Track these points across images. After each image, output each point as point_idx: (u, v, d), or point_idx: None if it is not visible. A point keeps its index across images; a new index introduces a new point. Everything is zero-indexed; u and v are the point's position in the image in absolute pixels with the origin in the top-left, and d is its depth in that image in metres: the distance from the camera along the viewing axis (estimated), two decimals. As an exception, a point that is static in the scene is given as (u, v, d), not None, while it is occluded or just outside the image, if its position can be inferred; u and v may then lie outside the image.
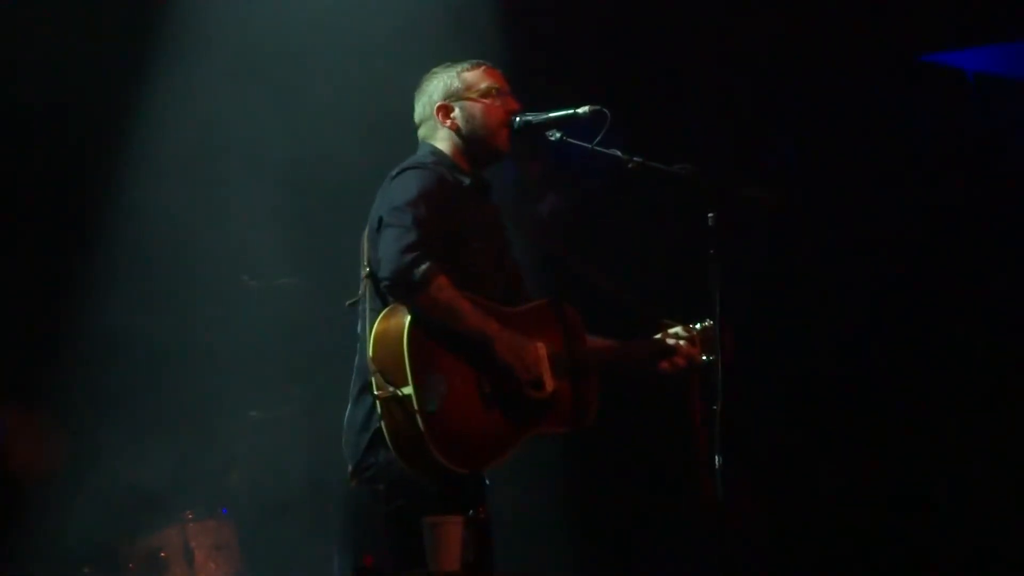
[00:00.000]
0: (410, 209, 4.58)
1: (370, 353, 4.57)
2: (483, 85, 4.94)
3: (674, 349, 5.09)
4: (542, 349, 4.82)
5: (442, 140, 4.95)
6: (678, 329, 5.13)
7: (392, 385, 4.50)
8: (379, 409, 4.53)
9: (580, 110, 4.93)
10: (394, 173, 4.78)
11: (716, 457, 4.59)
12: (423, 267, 4.49)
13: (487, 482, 4.93)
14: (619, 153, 4.94)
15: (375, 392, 4.52)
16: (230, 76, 6.84)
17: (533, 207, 6.90)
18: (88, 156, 6.86)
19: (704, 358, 5.07)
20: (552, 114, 4.98)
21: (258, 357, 6.82)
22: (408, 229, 4.54)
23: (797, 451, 7.17)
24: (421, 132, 5.02)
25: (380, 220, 4.67)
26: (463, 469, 4.59)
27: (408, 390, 4.48)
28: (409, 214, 4.56)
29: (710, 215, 4.79)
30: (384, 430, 4.54)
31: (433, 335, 4.56)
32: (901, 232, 7.44)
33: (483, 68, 5.00)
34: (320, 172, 6.91)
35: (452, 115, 4.92)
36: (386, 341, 4.56)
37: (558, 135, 4.98)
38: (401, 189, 4.68)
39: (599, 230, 7.18)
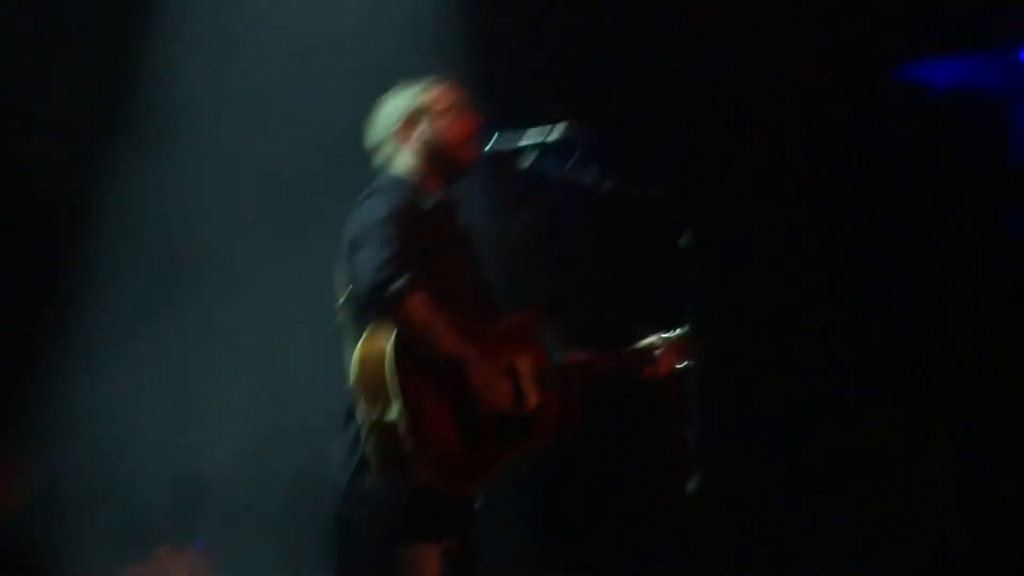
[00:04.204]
0: (383, 227, 4.56)
1: (353, 376, 4.53)
2: (443, 104, 4.91)
3: (655, 356, 5.09)
4: (524, 364, 4.81)
5: (403, 164, 4.91)
6: (655, 338, 5.13)
7: (377, 410, 4.46)
8: (364, 433, 4.49)
9: (552, 135, 4.93)
10: (361, 199, 4.77)
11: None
12: (400, 281, 4.45)
13: (475, 506, 4.88)
14: (592, 176, 4.95)
15: (360, 417, 4.48)
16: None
17: (505, 226, 6.92)
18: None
19: (681, 365, 5.05)
20: (524, 140, 4.97)
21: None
22: (383, 245, 4.51)
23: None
24: (379, 159, 4.97)
25: (352, 243, 4.63)
26: (456, 491, 4.59)
27: (394, 415, 4.44)
28: (382, 232, 4.55)
29: (684, 236, 4.81)
30: (370, 454, 4.50)
31: (415, 356, 4.51)
32: (871, 244, 7.49)
33: (440, 86, 4.96)
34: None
35: (415, 135, 4.89)
36: (369, 364, 4.52)
37: (531, 161, 4.96)
38: (370, 210, 4.66)
39: (573, 250, 7.18)
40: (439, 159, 4.89)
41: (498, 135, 5.00)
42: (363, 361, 4.55)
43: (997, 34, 7.52)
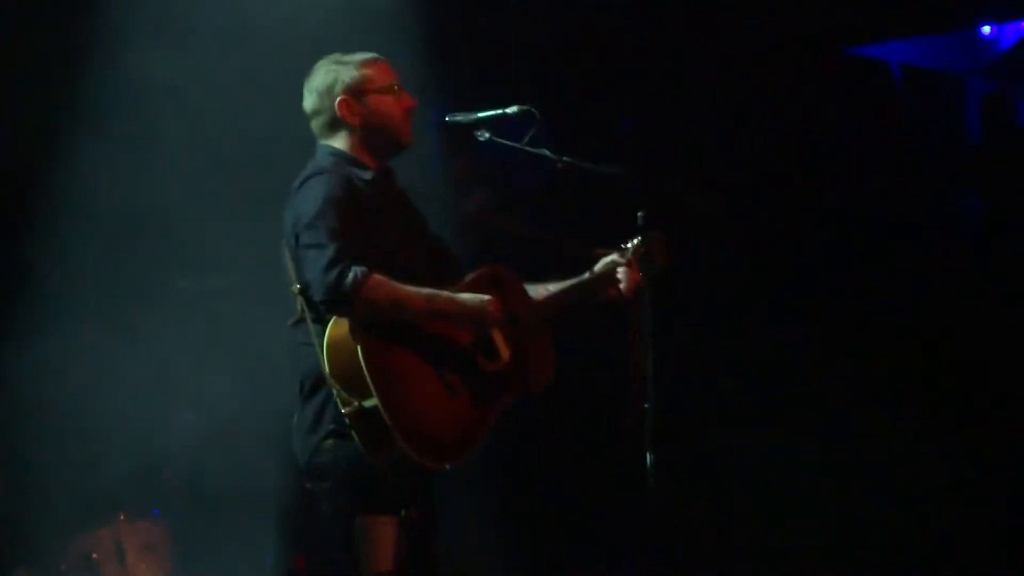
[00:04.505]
0: (320, 222, 4.52)
1: (327, 368, 4.49)
2: (384, 81, 4.85)
3: (616, 276, 5.03)
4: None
5: (342, 137, 4.85)
6: (614, 256, 5.06)
7: (356, 398, 4.43)
8: (348, 422, 4.43)
9: (509, 110, 4.93)
10: (297, 184, 4.72)
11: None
12: (349, 276, 4.42)
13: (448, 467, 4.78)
14: (548, 153, 4.93)
15: (342, 409, 4.43)
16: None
17: (460, 203, 6.84)
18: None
19: (646, 273, 4.98)
20: (481, 114, 4.98)
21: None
22: (324, 245, 4.48)
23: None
24: (316, 125, 4.89)
25: (296, 239, 4.59)
26: (446, 464, 4.59)
27: (373, 401, 4.41)
28: (320, 228, 4.51)
29: (639, 214, 4.81)
30: (357, 439, 4.44)
31: (385, 337, 4.50)
32: (827, 227, 7.50)
33: (379, 63, 4.90)
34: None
35: (356, 110, 4.82)
36: (340, 353, 4.48)
37: (487, 135, 4.97)
38: (307, 201, 4.61)
39: (527, 227, 7.16)
40: (379, 136, 4.85)
41: (454, 111, 5.00)
42: (332, 350, 4.51)
43: (955, 12, 7.53)
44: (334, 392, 4.46)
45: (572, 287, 5.05)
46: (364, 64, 4.88)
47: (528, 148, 4.92)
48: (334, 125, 4.87)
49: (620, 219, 4.91)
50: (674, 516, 4.72)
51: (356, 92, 4.83)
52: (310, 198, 4.61)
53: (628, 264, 5.01)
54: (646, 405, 4.69)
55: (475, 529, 6.85)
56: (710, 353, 7.24)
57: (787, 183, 7.50)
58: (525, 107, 4.90)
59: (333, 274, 4.43)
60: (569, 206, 6.94)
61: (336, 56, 4.91)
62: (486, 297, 4.71)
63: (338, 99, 4.83)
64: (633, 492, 4.78)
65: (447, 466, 4.59)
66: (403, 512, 4.61)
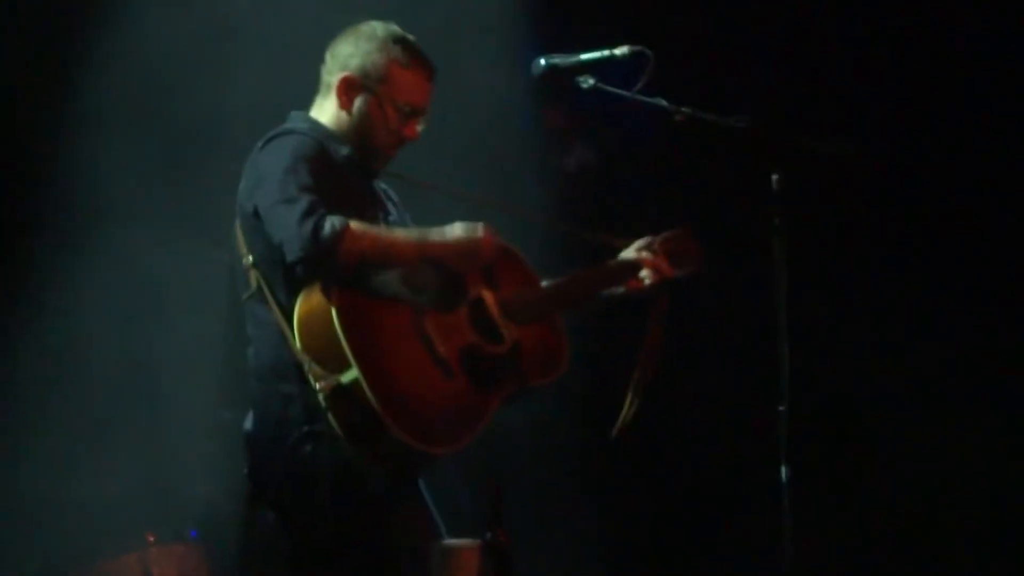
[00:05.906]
0: (290, 177, 4.20)
1: (297, 343, 4.17)
2: (403, 98, 4.45)
3: (639, 264, 4.71)
4: (489, 298, 4.43)
5: (326, 111, 4.52)
6: (640, 243, 4.75)
7: (333, 372, 4.09)
8: (324, 403, 4.09)
9: (617, 51, 4.53)
10: (260, 144, 4.39)
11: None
12: (328, 225, 4.09)
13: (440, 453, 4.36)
14: (664, 102, 4.51)
15: (316, 385, 4.09)
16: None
17: (556, 161, 6.44)
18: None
19: (675, 270, 4.74)
20: (583, 56, 4.58)
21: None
22: (295, 199, 4.15)
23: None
24: (322, 78, 4.54)
25: (259, 200, 4.24)
26: (437, 449, 4.20)
27: (352, 374, 4.06)
28: (291, 183, 4.19)
29: (774, 176, 4.38)
30: (335, 424, 4.09)
31: (365, 301, 4.21)
32: (984, 192, 6.63)
33: (418, 75, 4.47)
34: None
35: (353, 98, 4.47)
36: (312, 322, 4.18)
37: (591, 82, 4.57)
38: (273, 159, 4.29)
39: (637, 193, 6.54)
40: (357, 139, 4.49)
41: (551, 52, 4.62)
42: (303, 322, 4.19)
43: None
44: (305, 367, 4.12)
45: (587, 273, 4.76)
46: (399, 63, 4.46)
47: (640, 97, 4.51)
48: (325, 97, 4.52)
49: (750, 183, 4.45)
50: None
51: (366, 82, 4.44)
52: (276, 155, 4.27)
53: (656, 254, 4.72)
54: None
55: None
56: (857, 339, 6.55)
57: (948, 136, 6.62)
58: (637, 48, 4.51)
59: (309, 225, 4.08)
60: (689, 167, 6.31)
61: (391, 29, 4.51)
62: (479, 225, 4.35)
63: (343, 74, 4.45)
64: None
65: (440, 453, 4.23)
66: (489, 536, 4.18)
